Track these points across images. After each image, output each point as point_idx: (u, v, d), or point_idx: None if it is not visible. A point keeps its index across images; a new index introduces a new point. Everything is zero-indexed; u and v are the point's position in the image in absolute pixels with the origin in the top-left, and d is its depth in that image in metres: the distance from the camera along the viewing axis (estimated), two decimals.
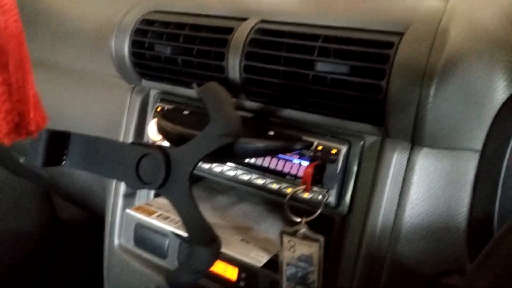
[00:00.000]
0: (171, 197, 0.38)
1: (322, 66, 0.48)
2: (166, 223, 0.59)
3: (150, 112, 0.68)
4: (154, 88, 0.68)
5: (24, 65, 0.30)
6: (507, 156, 0.47)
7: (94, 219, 1.19)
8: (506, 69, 0.45)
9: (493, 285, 0.26)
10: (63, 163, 0.39)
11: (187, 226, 0.37)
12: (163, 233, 0.66)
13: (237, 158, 0.54)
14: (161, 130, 0.56)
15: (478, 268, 0.28)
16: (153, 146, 0.38)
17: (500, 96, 0.45)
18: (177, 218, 0.60)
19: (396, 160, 0.47)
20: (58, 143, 0.39)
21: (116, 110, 0.71)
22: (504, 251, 0.26)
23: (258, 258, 0.51)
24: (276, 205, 0.63)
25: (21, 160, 1.03)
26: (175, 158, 0.37)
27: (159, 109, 0.65)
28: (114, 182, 0.71)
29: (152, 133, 0.62)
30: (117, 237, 0.71)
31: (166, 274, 0.37)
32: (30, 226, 1.14)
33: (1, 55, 0.29)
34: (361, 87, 0.47)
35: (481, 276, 0.27)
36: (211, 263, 0.36)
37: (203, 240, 0.36)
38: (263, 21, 0.55)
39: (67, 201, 1.17)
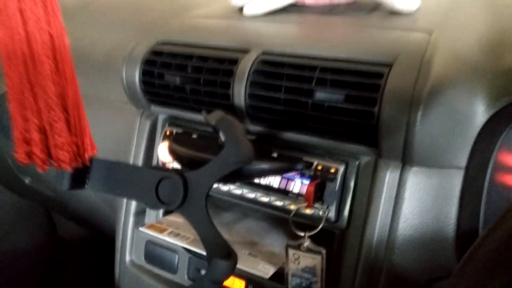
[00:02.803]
0: (189, 216, 0.42)
1: (319, 95, 0.53)
2: (178, 239, 0.63)
3: (158, 136, 0.72)
4: (163, 113, 0.72)
5: (79, 103, 0.35)
6: (489, 172, 0.52)
7: (95, 237, 1.22)
8: (485, 95, 0.49)
9: (482, 273, 0.28)
10: (86, 186, 0.43)
11: (205, 242, 0.41)
12: (173, 249, 0.69)
13: (244, 179, 0.59)
14: (172, 153, 0.60)
15: (467, 260, 0.31)
16: (171, 170, 0.43)
17: (480, 119, 0.49)
18: (187, 234, 0.64)
19: (389, 178, 0.52)
20: (82, 168, 0.42)
21: (126, 134, 0.75)
22: (491, 244, 0.29)
23: (265, 271, 0.55)
24: (278, 220, 0.67)
25: (26, 181, 1.07)
26: (191, 181, 0.41)
27: (168, 132, 0.70)
28: (124, 202, 0.75)
29: (163, 155, 0.67)
30: (129, 253, 0.75)
31: (188, 286, 0.41)
32: (31, 245, 1.16)
33: (61, 98, 0.33)
34: (356, 114, 0.51)
35: (469, 269, 0.30)
36: (230, 274, 0.40)
37: (220, 254, 0.40)
38: (264, 53, 0.60)
39: (71, 221, 1.19)
